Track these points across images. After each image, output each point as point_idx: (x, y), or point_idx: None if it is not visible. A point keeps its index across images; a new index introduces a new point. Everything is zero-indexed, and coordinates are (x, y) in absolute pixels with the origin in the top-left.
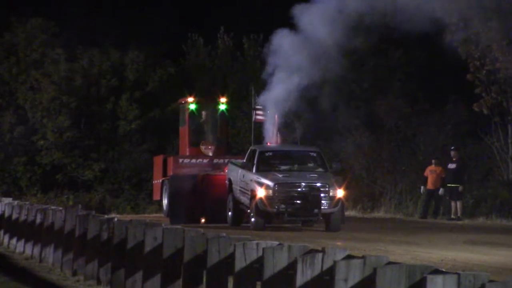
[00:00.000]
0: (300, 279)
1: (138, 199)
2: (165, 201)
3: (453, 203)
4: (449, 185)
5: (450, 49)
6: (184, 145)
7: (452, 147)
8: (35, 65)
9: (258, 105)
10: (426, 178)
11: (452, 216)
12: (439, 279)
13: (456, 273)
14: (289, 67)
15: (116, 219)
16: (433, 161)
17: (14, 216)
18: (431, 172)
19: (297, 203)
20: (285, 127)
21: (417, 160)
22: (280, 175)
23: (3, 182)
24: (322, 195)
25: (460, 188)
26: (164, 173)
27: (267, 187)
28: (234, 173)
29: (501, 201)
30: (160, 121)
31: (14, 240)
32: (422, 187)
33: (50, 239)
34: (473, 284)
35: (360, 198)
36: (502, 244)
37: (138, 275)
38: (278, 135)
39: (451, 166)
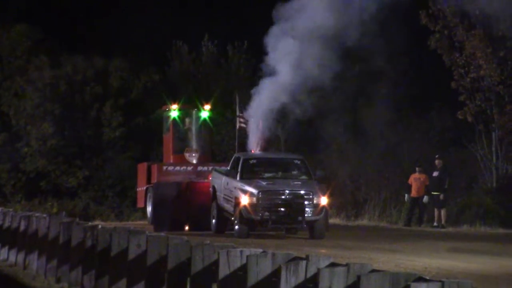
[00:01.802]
0: (284, 287)
1: (122, 206)
2: (149, 209)
3: (436, 211)
4: (433, 193)
5: (435, 56)
6: (168, 152)
7: (437, 155)
8: (19, 72)
9: (242, 112)
10: (410, 186)
11: (435, 224)
12: (423, 286)
13: (440, 280)
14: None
15: (100, 226)
16: (417, 168)
17: None
18: (415, 179)
19: (281, 210)
20: (269, 134)
21: (401, 168)
22: (264, 183)
23: None
24: (306, 202)
25: (441, 196)
26: (148, 181)
27: (251, 194)
28: (218, 181)
29: (485, 209)
30: (144, 128)
31: None
32: (406, 194)
33: (34, 246)
34: None
35: (344, 205)
36: (486, 252)
37: (122, 283)
38: (262, 142)
39: (435, 174)
